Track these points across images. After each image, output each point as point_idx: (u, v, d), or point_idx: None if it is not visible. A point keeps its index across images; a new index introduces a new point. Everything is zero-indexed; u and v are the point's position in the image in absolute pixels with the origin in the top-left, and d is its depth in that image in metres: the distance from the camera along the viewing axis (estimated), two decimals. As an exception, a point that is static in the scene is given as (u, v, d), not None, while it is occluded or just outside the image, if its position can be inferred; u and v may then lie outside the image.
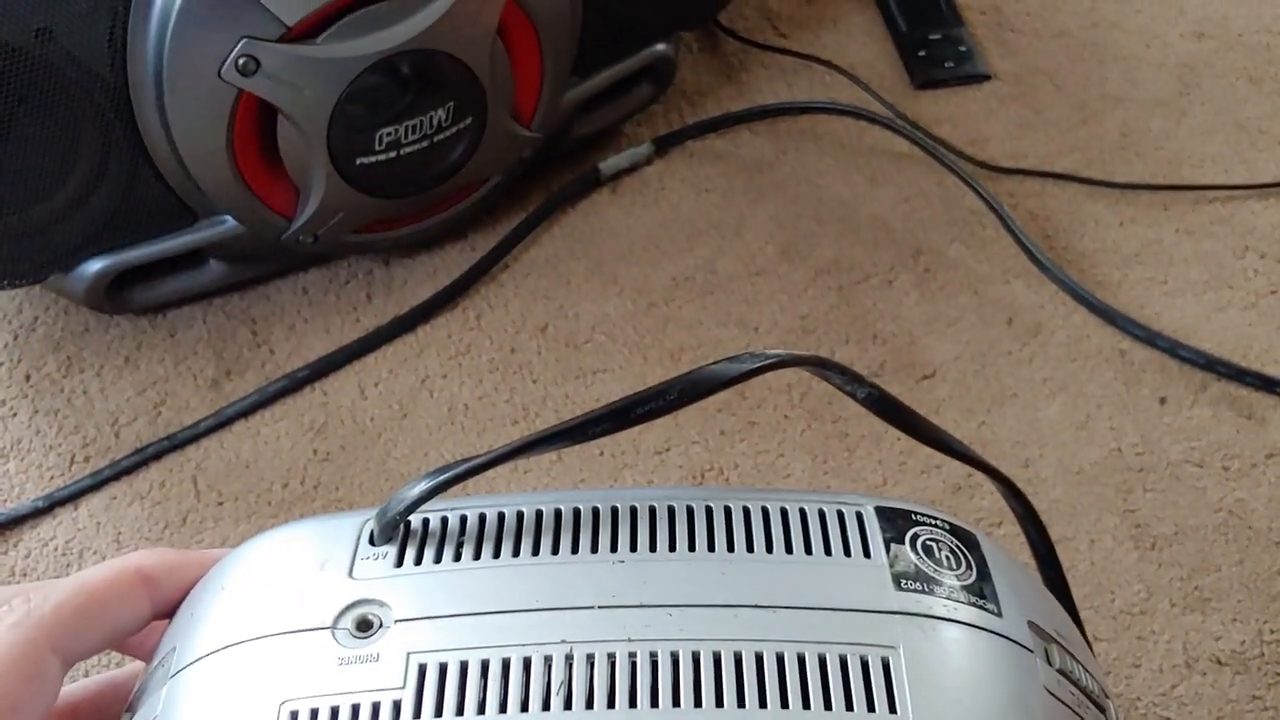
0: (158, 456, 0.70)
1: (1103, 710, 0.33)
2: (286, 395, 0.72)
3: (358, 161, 0.70)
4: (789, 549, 0.34)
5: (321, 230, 0.73)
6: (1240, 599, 0.63)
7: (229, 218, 0.73)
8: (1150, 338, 0.72)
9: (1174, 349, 0.72)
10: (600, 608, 0.32)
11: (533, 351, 0.74)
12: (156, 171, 0.70)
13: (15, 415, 0.73)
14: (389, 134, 0.70)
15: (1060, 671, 0.32)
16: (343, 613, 0.33)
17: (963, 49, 0.89)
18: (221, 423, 0.71)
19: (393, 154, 0.71)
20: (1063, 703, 0.32)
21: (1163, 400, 0.71)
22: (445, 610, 0.33)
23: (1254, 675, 0.60)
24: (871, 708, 0.30)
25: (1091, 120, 0.86)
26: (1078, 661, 0.34)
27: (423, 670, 0.31)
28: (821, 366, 0.37)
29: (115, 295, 0.74)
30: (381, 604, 0.33)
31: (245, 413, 0.72)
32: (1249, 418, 0.70)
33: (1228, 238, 0.79)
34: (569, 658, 0.31)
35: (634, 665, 0.31)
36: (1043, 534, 0.41)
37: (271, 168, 0.71)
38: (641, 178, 0.84)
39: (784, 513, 0.35)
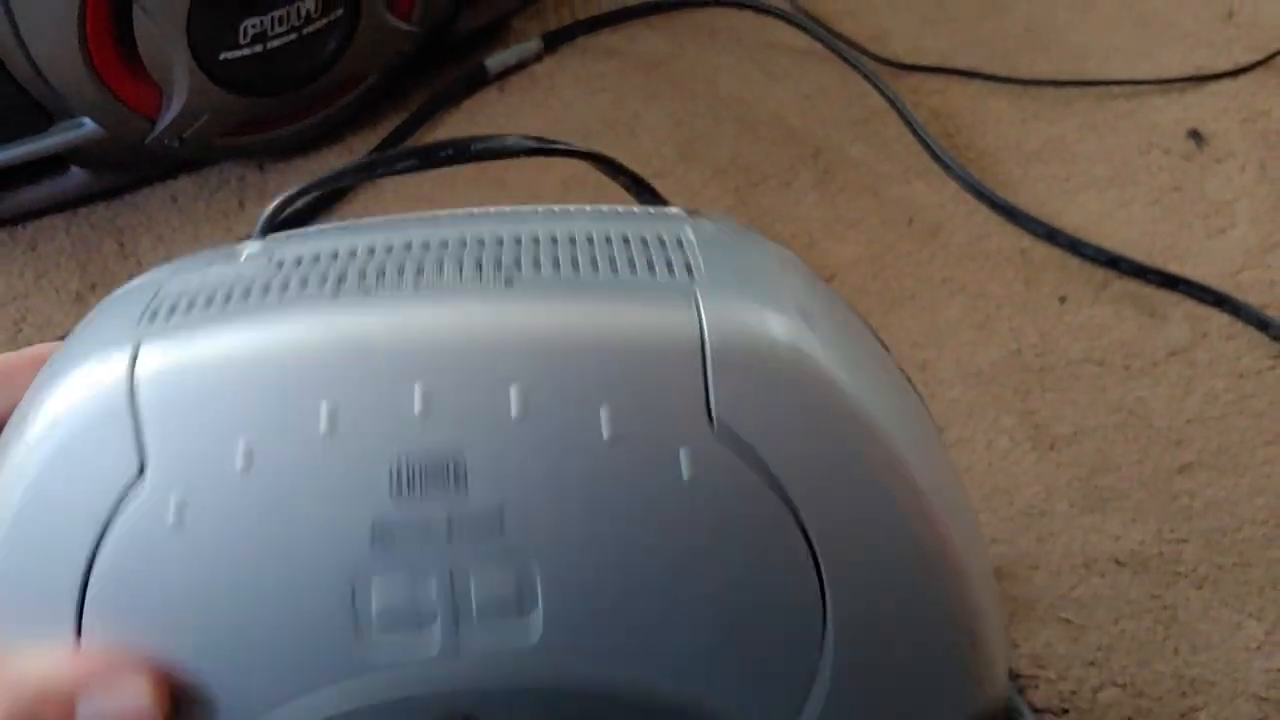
0: (16, 375, 0.67)
1: None
2: (153, 308, 0.69)
3: (221, 56, 0.68)
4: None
5: (188, 132, 0.71)
6: (1140, 498, 0.63)
7: (86, 120, 0.70)
8: (1051, 235, 0.72)
9: (1075, 246, 0.72)
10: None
11: (415, 258, 0.71)
12: (4, 68, 0.67)
13: None
14: (254, 25, 0.67)
15: None
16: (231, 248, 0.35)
17: (865, -60, 0.88)
18: (85, 338, 0.68)
19: (259, 48, 0.68)
20: None
21: (1063, 299, 0.70)
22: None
23: (1153, 574, 0.60)
24: (671, 272, 0.32)
25: (996, 14, 0.87)
26: None
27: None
28: (612, 168, 0.41)
29: (-32, 205, 0.72)
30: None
31: (110, 327, 0.69)
32: (1151, 315, 0.69)
33: (1131, 133, 0.79)
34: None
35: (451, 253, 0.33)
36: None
37: (130, 64, 0.68)
38: (531, 75, 0.83)
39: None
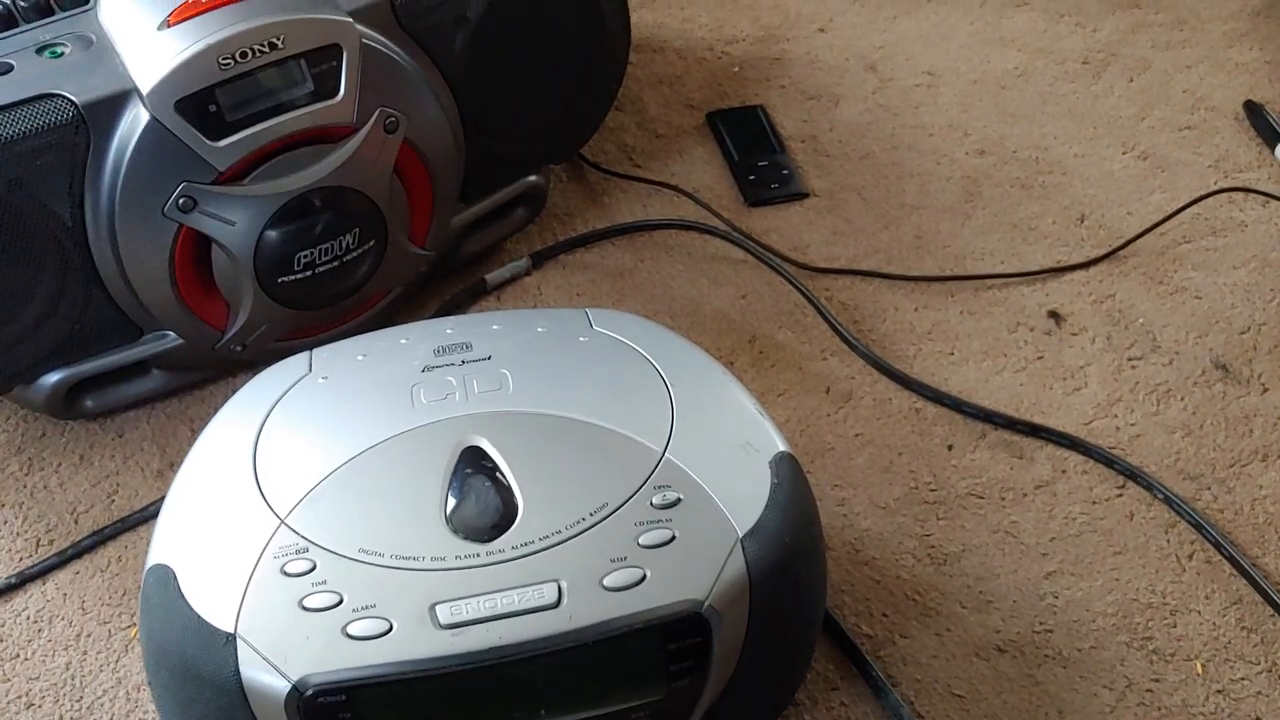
0: (114, 536, 0.82)
1: None
2: (224, 479, 0.84)
3: (279, 280, 0.82)
4: None
5: (249, 340, 0.86)
6: (1015, 600, 0.77)
7: (170, 332, 0.85)
8: (939, 397, 0.88)
9: (959, 406, 0.87)
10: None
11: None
12: (108, 295, 0.81)
13: (-16, 510, 0.84)
14: (305, 256, 0.82)
15: None
16: None
17: (785, 172, 1.06)
18: (168, 505, 0.83)
19: (309, 272, 0.83)
20: None
21: (950, 447, 0.86)
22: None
23: (1028, 658, 0.74)
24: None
25: (892, 226, 1.02)
26: None
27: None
28: None
29: (71, 403, 0.86)
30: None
31: (188, 496, 0.83)
32: (1020, 457, 0.85)
33: (1002, 316, 0.94)
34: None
35: None
36: None
37: (206, 288, 0.83)
38: (522, 286, 0.97)
39: None
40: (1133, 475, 0.83)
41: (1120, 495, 0.83)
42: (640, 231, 1.01)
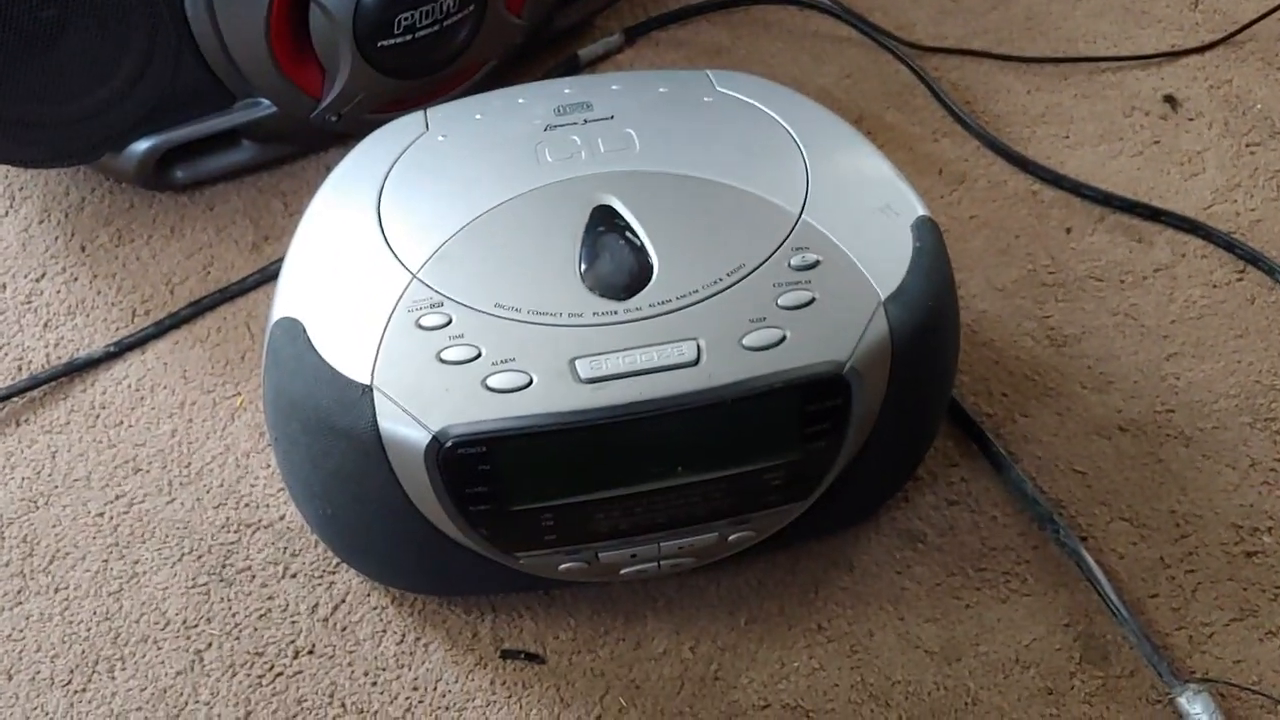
0: (212, 307, 0.80)
1: None
2: (323, 251, 0.82)
3: (378, 44, 0.79)
4: None
5: (345, 109, 0.83)
6: (1136, 380, 0.76)
7: (263, 100, 0.82)
8: (1057, 180, 0.85)
9: (1077, 188, 0.85)
10: None
11: (536, 207, 0.84)
12: (200, 57, 0.79)
13: (76, 280, 0.82)
14: (406, 18, 0.79)
15: None
16: None
17: (888, -51, 1.01)
18: (267, 278, 0.81)
19: (408, 37, 0.80)
20: None
21: (1068, 230, 0.83)
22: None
23: (1150, 437, 0.73)
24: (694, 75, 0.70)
25: (1001, 5, 0.98)
26: None
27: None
28: None
29: (160, 172, 0.84)
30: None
31: (287, 267, 0.81)
32: (1139, 241, 0.83)
33: (1117, 100, 0.91)
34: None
35: None
36: None
37: (302, 52, 0.80)
38: (615, 63, 0.94)
39: None
40: (1253, 260, 0.81)
41: (1241, 279, 0.81)
42: (737, 6, 0.97)
